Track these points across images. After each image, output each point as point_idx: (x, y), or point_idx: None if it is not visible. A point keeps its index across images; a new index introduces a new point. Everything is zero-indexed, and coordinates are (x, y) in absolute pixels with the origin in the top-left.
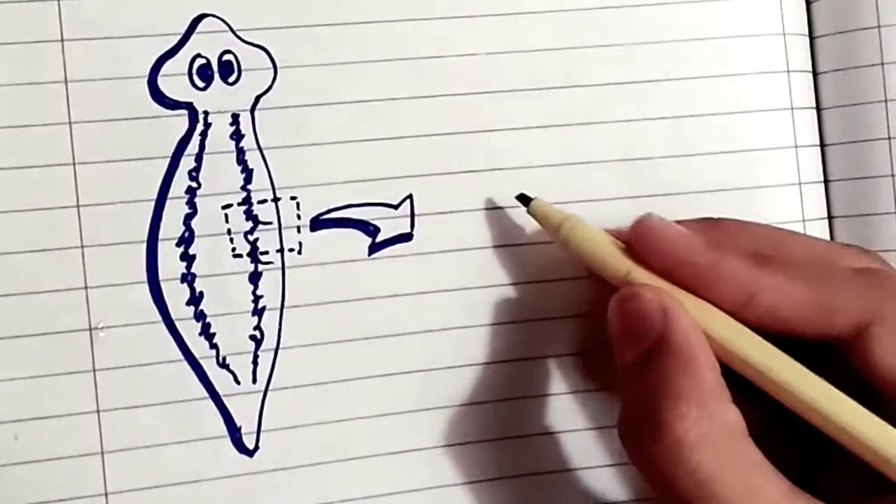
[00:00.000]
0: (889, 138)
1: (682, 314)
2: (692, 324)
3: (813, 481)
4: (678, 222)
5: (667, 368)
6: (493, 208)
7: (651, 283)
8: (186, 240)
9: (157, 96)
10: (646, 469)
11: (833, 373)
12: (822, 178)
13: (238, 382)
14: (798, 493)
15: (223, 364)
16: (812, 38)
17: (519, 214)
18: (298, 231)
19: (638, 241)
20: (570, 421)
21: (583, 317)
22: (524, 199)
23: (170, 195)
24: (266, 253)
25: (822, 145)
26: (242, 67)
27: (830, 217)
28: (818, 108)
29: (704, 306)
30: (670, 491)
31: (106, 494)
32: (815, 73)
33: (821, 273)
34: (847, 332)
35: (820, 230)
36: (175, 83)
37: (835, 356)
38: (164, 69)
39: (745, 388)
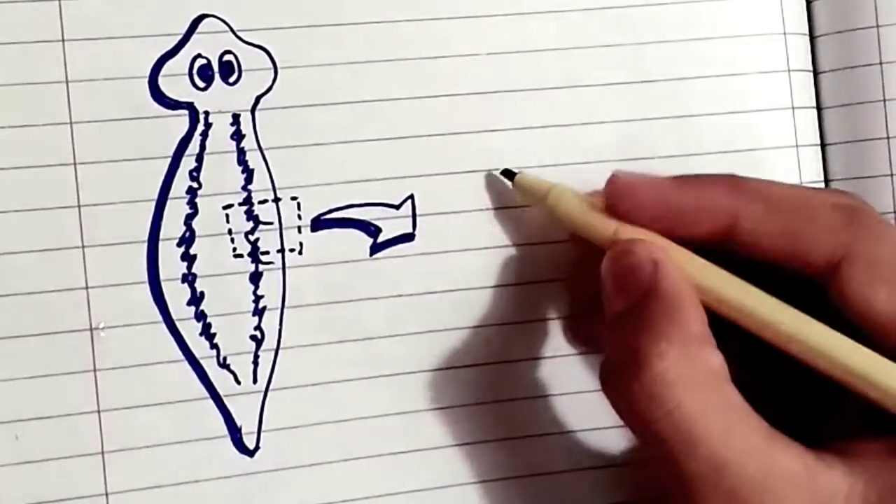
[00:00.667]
0: (888, 138)
1: (672, 266)
2: (681, 275)
3: (824, 426)
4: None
5: (653, 314)
6: (495, 208)
7: (639, 237)
8: (187, 240)
9: (158, 96)
10: (625, 410)
11: (819, 311)
12: (822, 178)
13: (238, 382)
14: (776, 436)
15: (224, 364)
16: (812, 37)
17: (521, 214)
18: (299, 231)
19: (614, 200)
20: (574, 421)
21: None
22: (509, 174)
23: (170, 195)
24: (267, 253)
25: (823, 145)
26: (243, 68)
27: None
28: (818, 108)
29: (695, 258)
30: (649, 433)
31: (106, 494)
32: (815, 73)
33: (798, 205)
34: (822, 266)
35: None
36: (176, 83)
37: (819, 295)
38: (164, 69)
39: (747, 343)
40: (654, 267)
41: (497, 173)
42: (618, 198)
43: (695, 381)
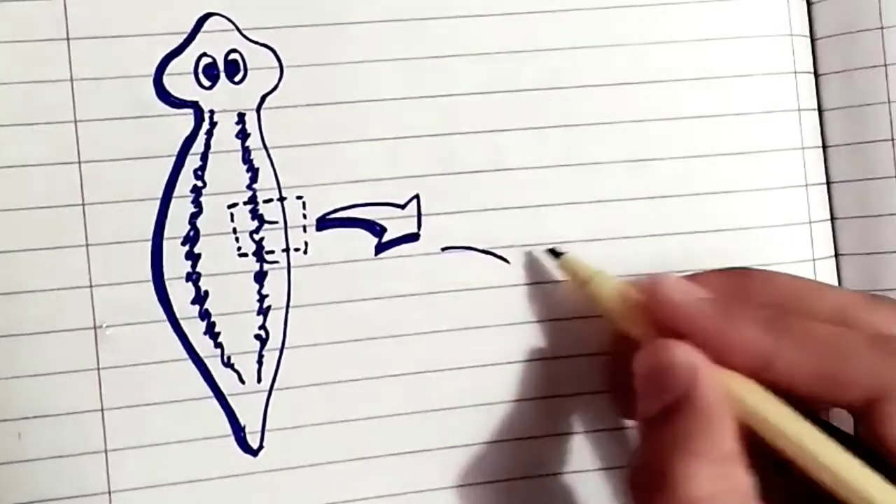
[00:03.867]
0: (893, 139)
1: (711, 375)
2: (718, 386)
3: None
4: (702, 274)
5: (686, 425)
6: (499, 209)
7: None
8: (192, 239)
9: (163, 95)
10: None
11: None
12: (824, 180)
13: (243, 382)
14: None
15: (228, 363)
16: (813, 39)
17: (525, 214)
18: (304, 230)
19: (653, 306)
20: (578, 421)
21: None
22: (555, 253)
23: (175, 194)
24: (272, 252)
25: (824, 146)
26: (248, 66)
27: (833, 219)
28: (819, 110)
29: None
30: None
31: (109, 493)
32: (816, 75)
33: (834, 344)
34: (858, 405)
35: (827, 232)
36: (181, 82)
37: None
38: (169, 68)
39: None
40: (695, 372)
41: (544, 251)
42: (658, 311)
43: (722, 500)
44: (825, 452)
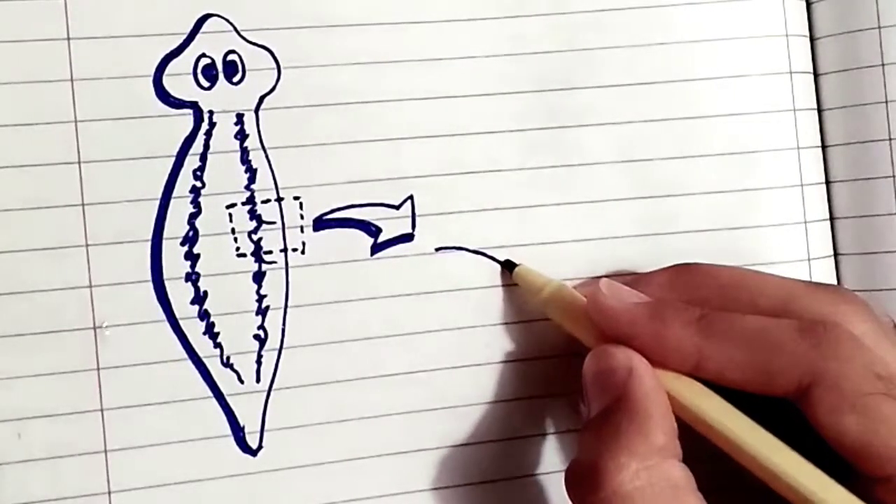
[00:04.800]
0: (890, 139)
1: (646, 374)
2: (655, 385)
3: None
4: (647, 274)
5: (619, 423)
6: (493, 209)
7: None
8: (190, 239)
9: (163, 95)
10: None
11: (799, 420)
12: (823, 180)
13: (242, 382)
14: None
15: (227, 363)
16: (813, 39)
17: (520, 215)
18: (302, 231)
19: (595, 317)
20: (577, 421)
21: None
22: (510, 266)
23: (174, 194)
24: (270, 252)
25: (823, 147)
26: (247, 67)
27: (832, 218)
28: (819, 110)
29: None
30: None
31: (109, 493)
32: (815, 75)
33: (763, 336)
34: (791, 393)
35: (822, 232)
36: (180, 82)
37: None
38: (169, 68)
39: None
40: (629, 373)
41: (498, 263)
42: (598, 318)
43: (652, 493)
44: (754, 444)
